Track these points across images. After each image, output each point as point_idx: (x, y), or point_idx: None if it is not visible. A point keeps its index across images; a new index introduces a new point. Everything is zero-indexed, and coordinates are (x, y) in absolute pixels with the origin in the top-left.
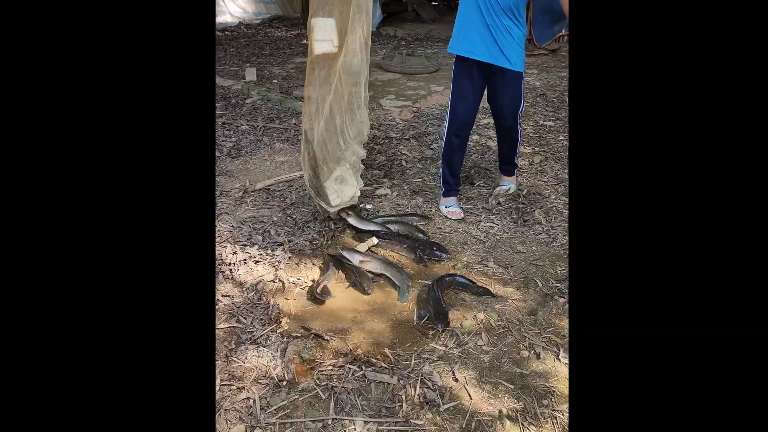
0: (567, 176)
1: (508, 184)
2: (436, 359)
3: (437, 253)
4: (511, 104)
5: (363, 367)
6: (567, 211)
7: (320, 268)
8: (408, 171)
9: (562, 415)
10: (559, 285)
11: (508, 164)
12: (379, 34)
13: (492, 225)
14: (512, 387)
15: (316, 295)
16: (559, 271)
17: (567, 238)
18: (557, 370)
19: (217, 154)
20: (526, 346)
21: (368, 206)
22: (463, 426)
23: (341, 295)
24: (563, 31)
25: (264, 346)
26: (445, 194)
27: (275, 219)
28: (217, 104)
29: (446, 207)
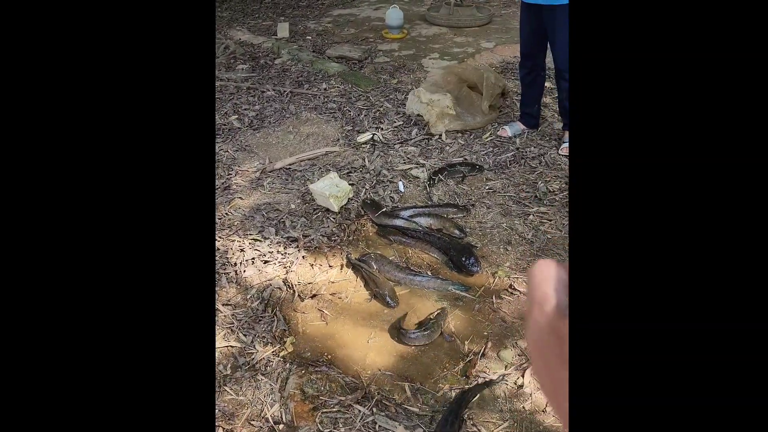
0: None
1: None
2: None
3: (470, 266)
4: (562, 41)
5: (374, 410)
6: None
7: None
8: (447, 148)
9: None
10: None
11: (568, 119)
12: None
13: (542, 220)
14: None
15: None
16: None
17: None
18: None
19: (237, 125)
20: None
21: (400, 185)
22: None
23: (359, 308)
24: None
25: (263, 374)
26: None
27: (293, 206)
28: (244, 65)
29: (505, 125)
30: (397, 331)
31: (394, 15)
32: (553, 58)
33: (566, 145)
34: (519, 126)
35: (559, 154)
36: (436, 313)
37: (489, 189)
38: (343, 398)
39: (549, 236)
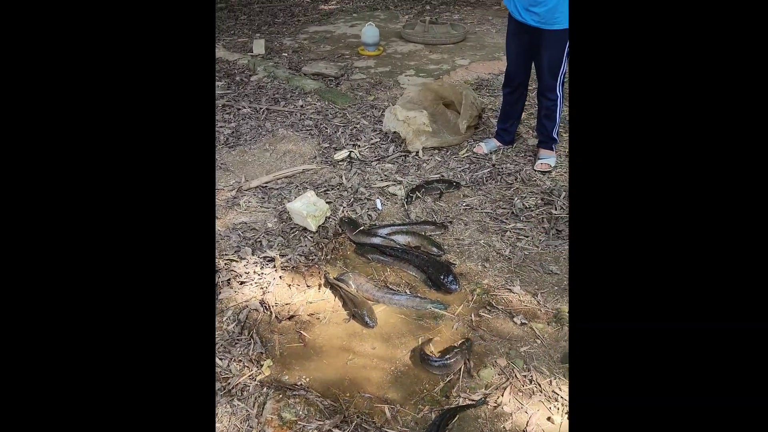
0: None
1: (548, 157)
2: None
3: (448, 284)
4: (549, 63)
5: None
6: None
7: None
8: (424, 165)
9: None
10: None
11: (545, 137)
12: None
13: (519, 236)
14: None
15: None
16: None
17: None
18: None
19: None
20: (558, 409)
21: (378, 203)
22: None
23: (337, 329)
24: None
25: (239, 400)
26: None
27: (269, 225)
28: (219, 82)
29: (481, 141)
30: (420, 357)
31: (369, 32)
32: (537, 77)
33: (541, 161)
34: (494, 142)
35: (535, 170)
36: (460, 342)
37: (466, 206)
38: (321, 423)
39: (526, 253)
